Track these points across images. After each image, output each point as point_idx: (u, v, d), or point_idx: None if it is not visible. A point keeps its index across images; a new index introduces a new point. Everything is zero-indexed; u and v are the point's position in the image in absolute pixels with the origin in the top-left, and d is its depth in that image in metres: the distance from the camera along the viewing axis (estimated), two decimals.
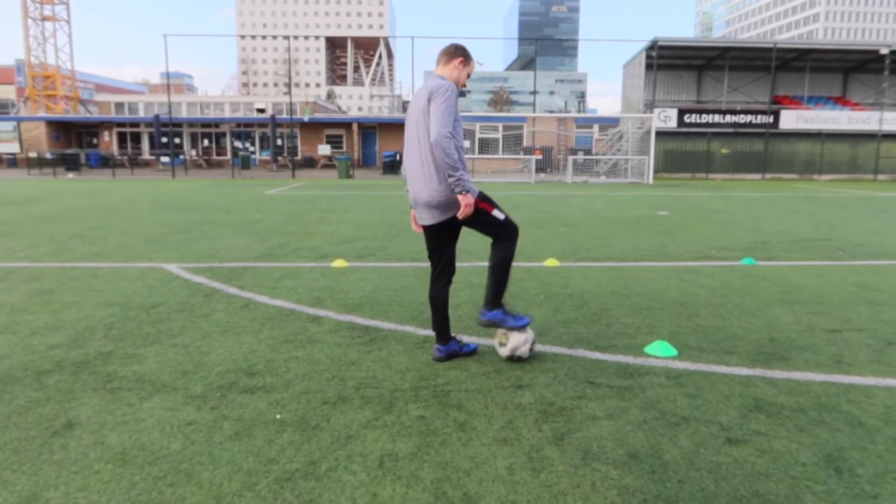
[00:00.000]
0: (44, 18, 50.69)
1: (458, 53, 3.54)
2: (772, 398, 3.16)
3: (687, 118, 30.61)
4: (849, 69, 35.03)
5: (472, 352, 3.80)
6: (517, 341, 3.58)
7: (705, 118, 30.78)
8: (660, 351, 3.83)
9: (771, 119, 30.88)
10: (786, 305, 5.07)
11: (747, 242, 8.56)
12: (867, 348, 3.97)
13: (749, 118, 30.94)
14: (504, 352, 3.61)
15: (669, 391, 3.25)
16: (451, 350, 3.69)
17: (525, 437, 2.72)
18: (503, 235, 3.53)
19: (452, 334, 3.77)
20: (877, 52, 31.04)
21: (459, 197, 3.31)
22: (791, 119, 30.91)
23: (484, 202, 3.47)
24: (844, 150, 31.86)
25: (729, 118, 30.88)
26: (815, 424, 2.87)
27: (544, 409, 3.02)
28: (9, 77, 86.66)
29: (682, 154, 31.18)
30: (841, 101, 34.72)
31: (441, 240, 3.58)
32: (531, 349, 3.64)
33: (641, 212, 12.91)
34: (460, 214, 3.38)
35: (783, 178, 31.24)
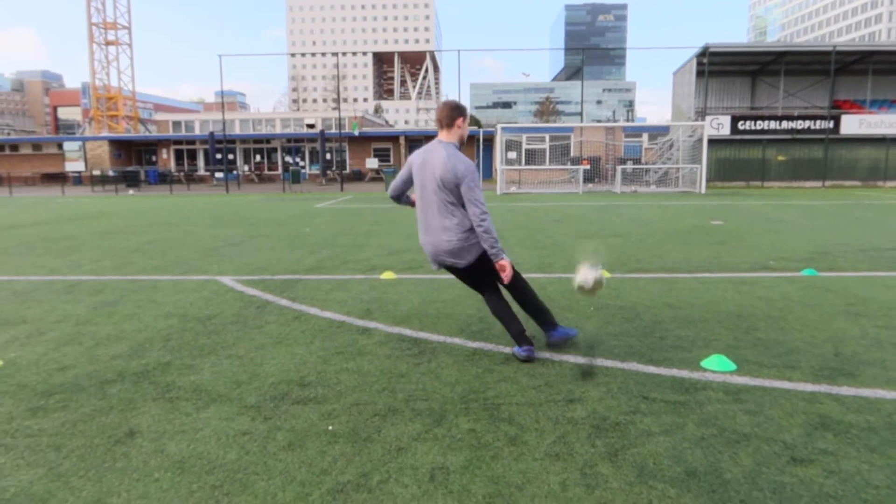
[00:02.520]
0: (108, 43, 53.38)
1: (457, 114, 3.81)
2: (839, 416, 3.01)
3: (741, 125, 29.74)
4: None
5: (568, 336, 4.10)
6: (584, 275, 3.92)
7: (760, 125, 29.83)
8: (717, 365, 3.70)
9: (831, 124, 29.68)
10: (851, 318, 4.84)
11: (807, 252, 8.22)
12: None
13: (807, 124, 29.82)
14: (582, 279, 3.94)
15: (728, 407, 3.13)
16: (563, 334, 4.03)
17: (578, 453, 2.66)
18: (494, 290, 3.96)
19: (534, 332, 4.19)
20: None
21: (498, 264, 3.69)
22: (853, 124, 29.64)
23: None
24: None
25: (785, 124, 29.84)
26: (887, 445, 2.71)
27: (597, 423, 2.95)
28: (75, 99, 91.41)
29: (735, 162, 30.26)
30: None
31: (473, 277, 3.95)
32: (595, 281, 3.91)
33: (694, 221, 12.58)
34: (505, 278, 3.75)
35: (844, 185, 29.95)
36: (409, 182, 4.00)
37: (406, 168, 3.99)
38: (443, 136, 3.82)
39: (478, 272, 3.87)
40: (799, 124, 29.89)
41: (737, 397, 3.26)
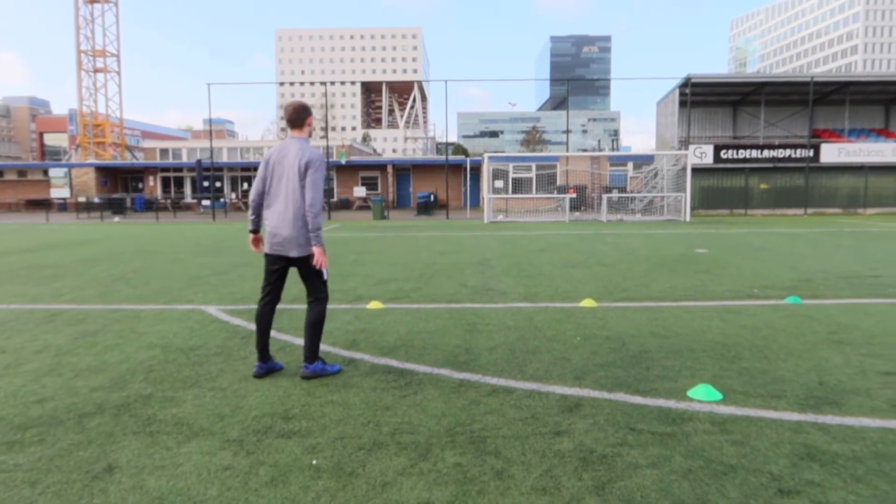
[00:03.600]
0: (96, 70, 53.49)
1: (305, 114, 4.18)
2: (825, 446, 3.01)
3: (723, 154, 30.23)
4: (890, 101, 34.29)
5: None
6: None
7: (742, 154, 30.35)
8: (703, 395, 3.70)
9: (811, 153, 30.27)
10: (835, 346, 4.87)
11: (791, 280, 8.31)
12: None
13: (788, 153, 30.38)
14: None
15: (715, 438, 3.12)
16: (270, 367, 4.27)
17: (565, 486, 2.64)
18: (321, 298, 4.18)
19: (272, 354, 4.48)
20: None
21: (315, 249, 4.04)
22: (832, 152, 30.24)
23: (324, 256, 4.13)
24: (890, 184, 30.92)
25: (767, 153, 30.38)
26: (873, 474, 2.72)
27: (584, 456, 2.93)
28: (62, 126, 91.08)
29: (719, 190, 30.68)
30: (884, 132, 33.89)
31: (282, 273, 4.22)
32: None
33: (679, 250, 12.69)
34: (315, 262, 4.06)
35: (826, 212, 30.43)
36: (266, 180, 4.21)
37: (262, 167, 4.21)
38: (295, 133, 4.18)
39: (304, 270, 4.14)
40: (780, 153, 30.44)
41: (723, 428, 3.25)
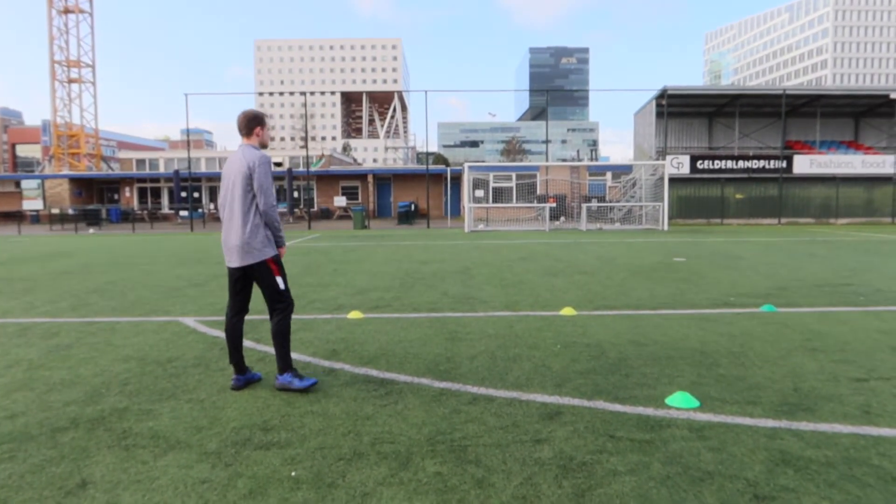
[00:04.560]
0: (71, 81, 52.75)
1: (254, 124, 4.12)
2: (799, 451, 3.06)
3: (699, 164, 30.71)
4: (860, 114, 35.15)
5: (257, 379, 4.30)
6: None
7: (718, 164, 30.86)
8: (681, 402, 3.74)
9: (784, 164, 30.89)
10: (809, 353, 4.96)
11: (766, 289, 8.44)
12: (894, 398, 3.85)
13: (762, 163, 30.97)
14: None
15: (692, 444, 3.16)
16: (248, 378, 4.23)
17: (545, 494, 2.65)
18: (279, 309, 4.09)
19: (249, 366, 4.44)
20: (887, 96, 31.17)
21: (280, 249, 4.13)
22: (804, 164, 30.89)
23: (275, 265, 4.10)
24: (860, 194, 31.65)
25: (742, 164, 30.94)
26: (845, 480, 2.77)
27: (564, 464, 2.94)
28: (35, 137, 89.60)
29: (696, 200, 31.13)
30: (854, 145, 34.70)
31: (243, 284, 4.18)
32: None
33: (657, 258, 12.83)
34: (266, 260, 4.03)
35: (799, 222, 31.02)
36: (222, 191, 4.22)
37: (221, 179, 4.24)
38: (244, 142, 4.16)
39: (257, 279, 4.09)
40: (754, 164, 31.02)
41: (701, 434, 3.29)
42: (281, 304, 4.11)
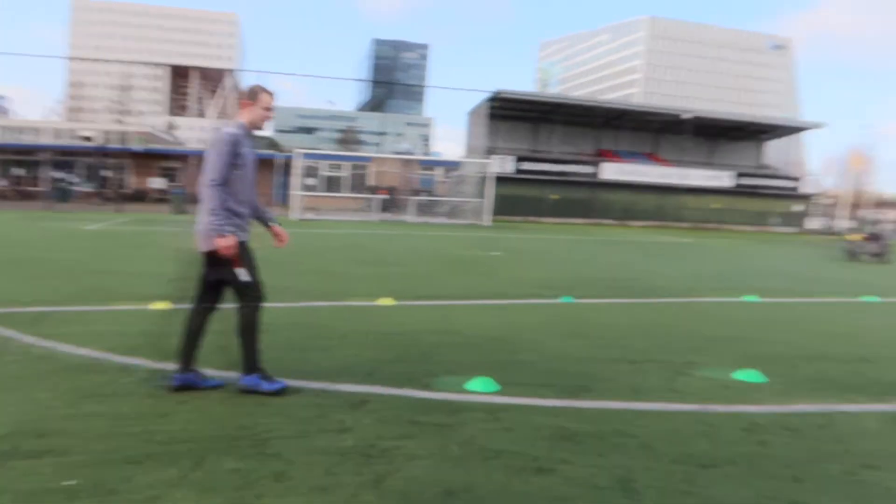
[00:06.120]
0: None
1: (244, 94, 3.80)
2: (576, 427, 3.43)
3: (523, 165, 32.85)
4: (659, 129, 39.87)
5: (214, 386, 3.83)
6: None
7: (539, 166, 33.25)
8: (481, 387, 4.00)
9: (594, 170, 34.11)
10: (595, 340, 5.56)
11: (568, 282, 9.29)
12: (659, 377, 4.45)
13: (577, 168, 33.94)
14: None
15: (488, 426, 3.40)
16: (187, 380, 3.76)
17: (345, 483, 2.69)
18: (245, 299, 3.76)
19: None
20: (678, 116, 35.71)
21: (217, 239, 3.56)
22: (612, 170, 34.38)
23: (236, 255, 3.66)
24: (653, 201, 35.98)
25: (559, 167, 33.63)
26: (612, 450, 3.15)
27: (366, 451, 3.01)
28: None
29: (517, 198, 33.27)
30: (653, 157, 39.32)
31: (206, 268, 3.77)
32: None
33: (476, 252, 13.53)
34: (223, 250, 3.57)
35: (604, 223, 34.48)
36: None
37: None
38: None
39: (218, 266, 3.72)
40: (570, 168, 33.88)
41: (496, 416, 3.55)
42: (246, 297, 3.79)
